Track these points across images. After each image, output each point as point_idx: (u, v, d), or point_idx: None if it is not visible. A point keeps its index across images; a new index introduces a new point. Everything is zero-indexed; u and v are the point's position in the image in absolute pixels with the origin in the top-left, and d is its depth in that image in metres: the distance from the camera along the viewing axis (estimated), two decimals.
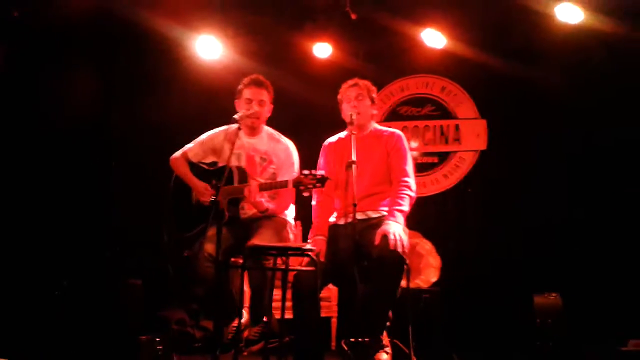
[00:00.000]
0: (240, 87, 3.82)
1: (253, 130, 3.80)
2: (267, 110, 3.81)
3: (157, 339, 3.54)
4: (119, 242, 5.10)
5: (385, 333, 3.40)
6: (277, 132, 3.87)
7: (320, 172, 3.27)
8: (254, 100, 3.73)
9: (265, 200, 3.58)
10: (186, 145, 3.90)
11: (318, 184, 3.24)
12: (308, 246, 3.30)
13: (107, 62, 5.42)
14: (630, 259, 4.54)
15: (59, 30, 4.98)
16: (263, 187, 3.52)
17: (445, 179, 5.27)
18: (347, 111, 3.55)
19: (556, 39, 4.85)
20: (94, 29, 5.10)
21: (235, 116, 3.50)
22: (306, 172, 3.27)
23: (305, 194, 3.29)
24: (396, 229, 3.21)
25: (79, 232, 5.01)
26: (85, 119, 5.23)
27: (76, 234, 4.98)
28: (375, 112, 3.69)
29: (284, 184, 3.42)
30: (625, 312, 4.26)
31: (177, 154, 3.90)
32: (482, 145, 5.23)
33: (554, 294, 4.02)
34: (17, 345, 3.41)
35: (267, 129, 3.87)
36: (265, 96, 3.77)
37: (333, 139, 3.74)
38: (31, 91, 5.02)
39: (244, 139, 3.76)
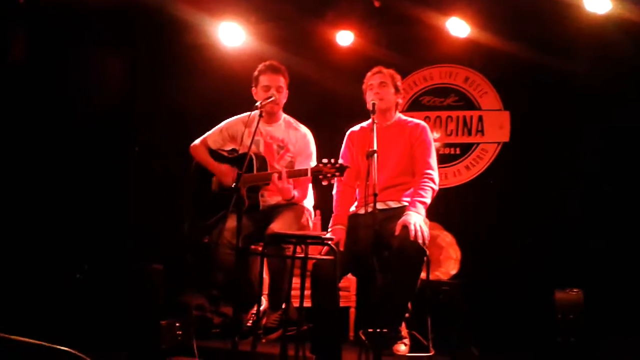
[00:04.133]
0: (255, 74, 3.80)
1: (272, 117, 3.78)
2: (284, 96, 3.79)
3: (178, 324, 3.57)
4: (140, 227, 5.13)
5: (404, 324, 3.40)
6: (295, 120, 3.85)
7: (339, 161, 3.25)
8: (272, 87, 3.72)
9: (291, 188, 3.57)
10: (206, 133, 3.91)
11: (337, 173, 3.23)
12: (327, 235, 3.29)
13: (130, 48, 5.42)
14: None
15: (81, 16, 4.98)
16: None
17: (467, 170, 5.22)
18: (370, 99, 3.52)
19: (583, 29, 4.73)
20: (117, 16, 5.09)
21: (257, 104, 3.49)
22: (325, 160, 3.25)
23: (324, 183, 3.28)
24: (417, 220, 3.17)
25: (101, 217, 5.04)
26: (108, 105, 5.24)
27: (98, 219, 5.01)
28: (400, 101, 3.64)
29: (304, 172, 3.40)
30: None
31: (197, 141, 3.91)
32: (505, 137, 5.15)
33: (575, 290, 3.96)
34: (40, 327, 3.45)
35: (285, 116, 3.85)
36: (282, 82, 3.75)
37: (356, 127, 3.71)
38: (54, 77, 5.03)
39: (262, 126, 3.75)
